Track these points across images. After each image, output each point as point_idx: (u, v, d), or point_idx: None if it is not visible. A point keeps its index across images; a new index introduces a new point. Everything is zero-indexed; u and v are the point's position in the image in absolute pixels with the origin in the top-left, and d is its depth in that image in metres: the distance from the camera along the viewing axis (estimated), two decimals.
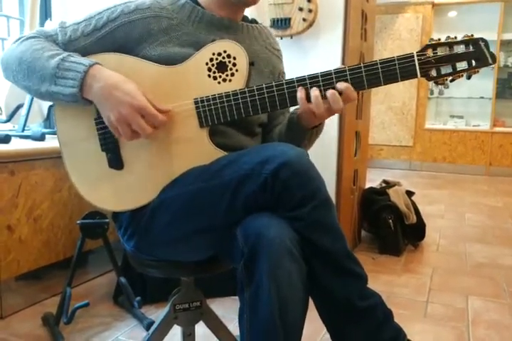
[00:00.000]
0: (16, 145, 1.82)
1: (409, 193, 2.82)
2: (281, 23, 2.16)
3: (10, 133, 1.96)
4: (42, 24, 2.52)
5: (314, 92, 1.00)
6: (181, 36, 1.12)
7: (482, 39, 0.99)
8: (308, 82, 1.02)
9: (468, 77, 1.02)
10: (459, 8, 5.65)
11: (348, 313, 0.96)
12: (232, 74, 1.05)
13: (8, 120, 2.12)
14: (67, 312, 1.62)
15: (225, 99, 1.04)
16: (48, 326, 1.70)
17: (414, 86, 5.59)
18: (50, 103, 1.92)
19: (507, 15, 5.33)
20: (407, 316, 1.85)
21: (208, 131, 1.06)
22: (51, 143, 1.93)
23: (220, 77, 1.06)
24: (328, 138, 2.28)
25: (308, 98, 1.02)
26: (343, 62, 2.24)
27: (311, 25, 2.16)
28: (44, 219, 1.87)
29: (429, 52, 0.99)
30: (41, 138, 1.99)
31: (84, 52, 1.09)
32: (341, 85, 1.00)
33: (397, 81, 1.00)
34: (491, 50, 0.98)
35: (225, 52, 1.05)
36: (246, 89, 1.03)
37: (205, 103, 1.05)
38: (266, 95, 1.03)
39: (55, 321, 1.68)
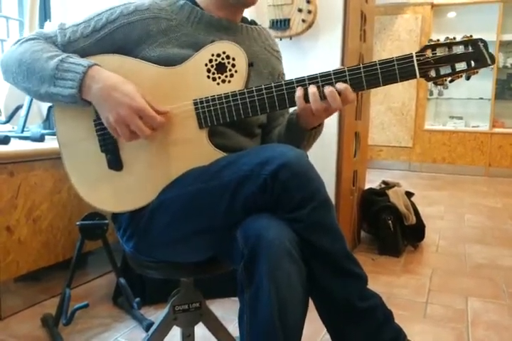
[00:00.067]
0: (16, 146, 1.82)
1: (409, 194, 2.82)
2: (281, 24, 2.16)
3: (9, 134, 1.96)
4: (41, 25, 2.52)
5: (312, 89, 1.00)
6: (180, 37, 1.12)
7: (481, 40, 0.99)
8: (308, 82, 1.02)
9: (468, 78, 1.02)
10: (458, 9, 5.66)
11: (348, 314, 0.96)
12: (232, 76, 1.05)
13: (8, 121, 2.12)
14: (66, 313, 1.62)
15: (224, 100, 1.04)
16: (47, 327, 1.70)
17: (414, 87, 5.60)
18: (50, 104, 1.93)
19: (506, 16, 5.34)
20: (407, 317, 1.85)
21: (207, 132, 1.06)
22: (50, 144, 1.92)
23: (220, 78, 1.06)
24: (327, 139, 2.28)
25: (306, 97, 1.02)
26: (343, 63, 2.24)
27: (310, 26, 2.16)
28: (43, 220, 1.87)
29: (428, 53, 0.99)
30: (40, 139, 1.99)
31: (84, 54, 1.09)
32: (340, 86, 1.00)
33: (396, 81, 1.00)
34: (490, 50, 0.99)
35: (224, 53, 1.05)
36: (245, 90, 1.03)
37: (205, 104, 1.05)
38: (265, 96, 1.03)
39: (55, 322, 1.68)
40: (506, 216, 3.61)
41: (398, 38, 5.61)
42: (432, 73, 1.00)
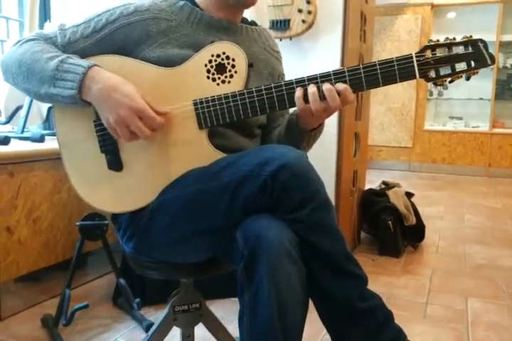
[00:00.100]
0: (16, 146, 1.82)
1: (409, 194, 2.82)
2: (281, 25, 2.16)
3: (9, 134, 1.96)
4: (41, 26, 2.52)
5: (311, 89, 1.00)
6: (180, 38, 1.12)
7: (481, 40, 0.99)
8: (307, 83, 1.02)
9: (468, 78, 1.02)
10: (458, 10, 5.66)
11: (348, 315, 0.96)
12: (231, 76, 1.05)
13: (8, 121, 2.12)
14: (66, 313, 1.62)
15: (224, 101, 1.04)
16: (47, 328, 1.70)
17: (414, 87, 5.60)
18: (50, 105, 1.93)
19: (506, 17, 5.34)
20: (407, 317, 1.85)
21: (207, 132, 1.06)
22: (50, 144, 1.92)
23: (219, 78, 1.06)
24: (327, 140, 2.28)
25: (305, 97, 1.01)
26: (342, 63, 2.24)
27: (310, 26, 2.16)
28: (43, 221, 1.87)
29: (428, 53, 0.99)
30: (40, 139, 1.99)
31: (84, 54, 1.09)
32: (340, 86, 1.00)
33: (396, 82, 1.00)
34: (490, 51, 0.99)
35: (224, 53, 1.05)
36: (245, 91, 1.03)
37: (204, 104, 1.05)
38: (265, 96, 1.03)
39: (54, 323, 1.68)
40: (506, 216, 3.61)
41: (398, 39, 5.61)
42: (432, 74, 1.00)
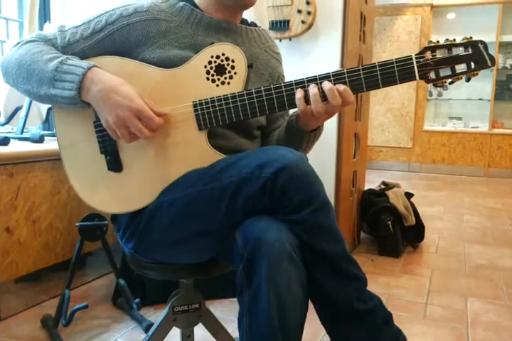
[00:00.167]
0: (15, 147, 1.82)
1: (408, 195, 2.82)
2: (280, 25, 2.16)
3: (9, 135, 1.96)
4: (41, 26, 2.52)
5: (313, 90, 1.00)
6: (180, 39, 1.12)
7: (481, 41, 0.99)
8: (307, 84, 1.02)
9: (468, 80, 1.02)
10: (458, 10, 5.66)
11: (348, 316, 0.96)
12: (231, 77, 1.05)
13: (7, 122, 2.12)
14: (66, 314, 1.62)
15: (223, 102, 1.04)
16: (46, 328, 1.70)
17: (413, 88, 5.60)
18: (49, 105, 1.93)
19: (505, 17, 5.34)
20: (407, 318, 1.85)
21: (206, 133, 1.06)
22: (50, 145, 1.92)
23: (219, 79, 1.06)
24: (327, 140, 2.28)
25: (306, 99, 1.02)
26: (342, 64, 2.24)
27: (309, 27, 2.16)
28: (43, 221, 1.87)
29: (428, 55, 0.99)
30: (40, 140, 1.99)
31: (83, 56, 1.09)
32: (340, 87, 1.00)
33: (396, 83, 1.00)
34: (490, 52, 0.99)
35: (223, 54, 1.05)
36: (244, 92, 1.03)
37: (204, 106, 1.05)
38: (264, 98, 1.03)
39: (54, 323, 1.68)
40: (506, 216, 3.61)
41: (398, 39, 5.61)
42: (432, 75, 1.00)
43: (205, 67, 1.06)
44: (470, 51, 0.99)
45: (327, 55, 2.24)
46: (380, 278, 2.27)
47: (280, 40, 2.21)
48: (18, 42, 1.10)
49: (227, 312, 1.85)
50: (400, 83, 1.00)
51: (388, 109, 5.76)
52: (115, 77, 1.02)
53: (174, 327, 1.24)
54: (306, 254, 0.94)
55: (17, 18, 2.61)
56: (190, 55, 1.08)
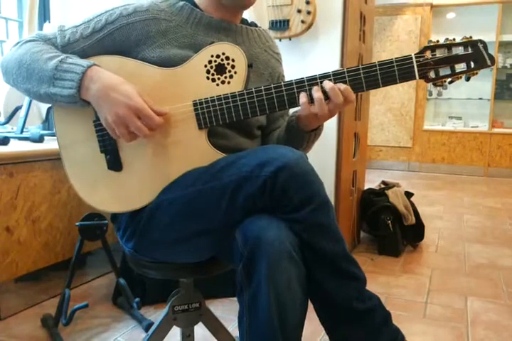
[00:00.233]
0: (15, 147, 1.82)
1: (408, 194, 2.82)
2: (280, 25, 2.16)
3: (8, 135, 1.96)
4: (40, 26, 2.52)
5: (317, 94, 1.00)
6: (180, 38, 1.12)
7: (481, 41, 0.99)
8: (307, 84, 1.02)
9: (467, 79, 1.02)
10: (458, 10, 5.66)
11: (347, 315, 0.96)
12: (231, 77, 1.05)
13: (7, 122, 2.12)
14: (66, 313, 1.62)
15: (223, 101, 1.04)
16: (46, 327, 1.70)
17: (413, 87, 5.60)
18: (49, 105, 1.93)
19: (505, 17, 5.34)
20: (406, 317, 1.85)
21: (206, 132, 1.06)
22: (50, 144, 1.93)
23: (219, 79, 1.06)
24: (327, 140, 2.28)
25: (310, 102, 1.02)
26: (342, 64, 2.24)
27: (309, 27, 2.16)
28: (43, 221, 1.87)
29: (428, 54, 0.99)
30: (40, 139, 1.99)
31: (83, 55, 1.09)
32: (340, 87, 1.00)
33: (396, 83, 1.00)
34: (490, 51, 0.99)
35: (223, 54, 1.05)
36: (244, 91, 1.03)
37: (204, 105, 1.05)
38: (264, 97, 1.03)
39: (54, 322, 1.68)
40: (506, 216, 3.61)
41: (397, 39, 5.61)
42: (432, 74, 1.00)
43: (205, 66, 1.06)
44: (470, 50, 0.99)
45: (327, 54, 2.25)
46: (380, 277, 2.27)
47: (280, 40, 2.21)
48: (18, 42, 1.10)
49: (227, 311, 1.85)
50: (400, 82, 1.00)
51: (388, 108, 5.76)
52: (115, 76, 1.02)
53: (174, 327, 1.24)
54: (306, 253, 0.94)
55: (17, 17, 2.61)
56: (190, 54, 1.08)
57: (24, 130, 2.09)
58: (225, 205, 0.96)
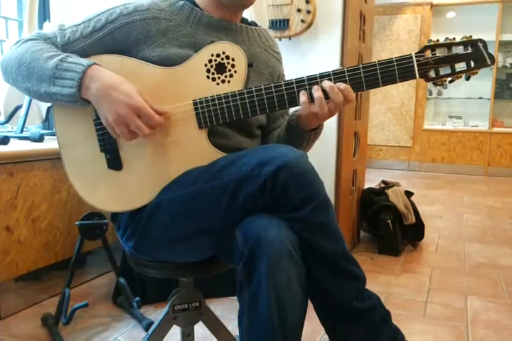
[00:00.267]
0: (15, 146, 1.82)
1: (408, 193, 2.82)
2: (280, 25, 2.16)
3: (8, 134, 1.96)
4: (40, 26, 2.52)
5: (317, 93, 1.01)
6: (180, 37, 1.12)
7: (481, 40, 0.99)
8: (307, 83, 1.02)
9: (467, 78, 1.02)
10: (458, 9, 5.66)
11: (347, 315, 0.96)
12: (231, 76, 1.05)
13: (7, 121, 2.12)
14: (66, 312, 1.62)
15: (223, 101, 1.04)
16: (47, 327, 1.70)
17: (413, 86, 5.60)
18: (49, 104, 1.93)
19: (505, 16, 5.34)
20: (406, 316, 1.85)
21: (206, 132, 1.06)
22: (50, 144, 1.93)
23: (219, 78, 1.06)
24: (327, 139, 2.28)
25: (310, 101, 1.02)
26: (342, 63, 2.24)
27: (309, 26, 2.16)
28: (43, 220, 1.87)
29: (428, 53, 1.00)
30: (40, 139, 1.99)
31: (83, 54, 1.09)
32: (340, 86, 1.00)
33: (396, 82, 1.00)
34: (490, 50, 0.99)
35: (223, 53, 1.05)
36: (245, 91, 1.03)
37: (204, 104, 1.05)
38: (264, 96, 1.03)
39: (54, 322, 1.68)
40: (506, 215, 3.61)
41: (397, 38, 5.61)
42: (432, 74, 1.00)
43: (206, 65, 1.06)
44: (470, 50, 0.99)
45: (327, 54, 2.24)
46: (380, 276, 2.28)
47: (280, 39, 2.21)
48: (18, 41, 1.10)
49: (227, 310, 1.85)
50: (400, 81, 1.00)
51: (388, 107, 5.76)
52: (115, 75, 1.02)
53: (174, 326, 1.24)
54: (305, 252, 0.94)
55: (16, 17, 2.61)
56: (190, 53, 1.08)
57: (24, 129, 2.09)
58: (225, 204, 0.96)
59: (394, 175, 5.40)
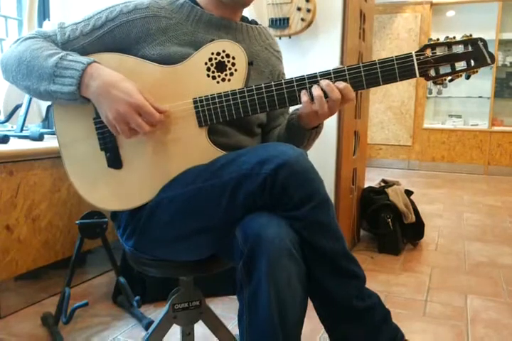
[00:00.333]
0: (15, 145, 1.82)
1: (408, 192, 2.83)
2: (280, 23, 2.16)
3: (8, 133, 1.96)
4: (40, 24, 2.52)
5: (317, 92, 1.01)
6: (180, 36, 1.12)
7: (481, 39, 0.99)
8: (307, 81, 1.02)
9: (468, 77, 1.02)
10: (458, 8, 5.66)
11: (347, 313, 0.96)
12: (231, 74, 1.05)
13: (7, 120, 2.12)
14: (66, 312, 1.62)
15: (223, 99, 1.04)
16: (46, 326, 1.70)
17: (413, 85, 5.60)
18: (49, 103, 1.92)
19: (505, 15, 5.34)
20: (406, 315, 1.85)
21: (206, 130, 1.06)
22: (50, 143, 1.92)
23: (219, 76, 1.06)
24: (327, 138, 2.28)
25: (311, 100, 1.02)
26: (342, 62, 2.24)
27: (309, 25, 2.16)
28: (43, 219, 1.87)
29: (428, 52, 0.99)
30: (40, 138, 1.99)
31: (83, 52, 1.09)
32: (340, 85, 1.00)
33: (396, 81, 1.00)
34: (490, 49, 0.99)
35: (224, 51, 1.05)
36: (245, 89, 1.03)
37: (204, 102, 1.05)
38: (265, 95, 1.03)
39: (54, 321, 1.68)
40: (505, 214, 3.62)
41: (397, 37, 5.61)
42: (432, 72, 1.00)
43: (206, 63, 1.06)
44: (470, 49, 0.99)
45: (327, 52, 2.24)
46: (380, 275, 2.28)
47: (280, 38, 2.21)
48: (18, 39, 1.10)
49: (227, 309, 1.85)
50: (400, 80, 1.00)
51: (388, 106, 5.76)
52: (115, 73, 1.02)
53: (174, 325, 1.24)
54: (305, 251, 0.94)
55: (16, 16, 2.61)
56: (190, 51, 1.08)
57: (24, 128, 2.09)
58: (225, 203, 0.96)
59: (394, 174, 5.40)
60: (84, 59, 1.03)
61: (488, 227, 3.23)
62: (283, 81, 1.02)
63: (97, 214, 1.71)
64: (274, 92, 1.03)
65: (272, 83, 1.03)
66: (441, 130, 5.68)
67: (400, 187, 2.82)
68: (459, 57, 0.99)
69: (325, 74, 1.01)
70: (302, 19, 2.13)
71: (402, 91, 5.67)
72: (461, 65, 1.00)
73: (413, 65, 0.99)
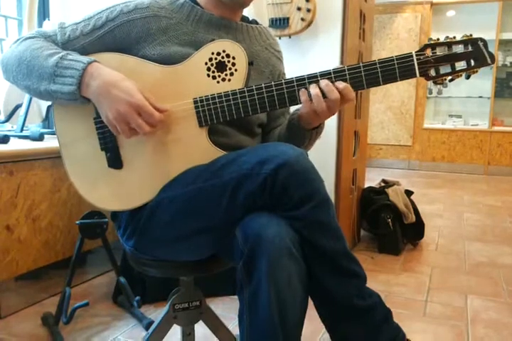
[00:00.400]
0: (15, 145, 1.82)
1: (408, 192, 2.82)
2: (280, 23, 2.16)
3: (8, 133, 1.96)
4: (40, 24, 2.52)
5: (314, 90, 1.01)
6: (180, 35, 1.12)
7: (481, 39, 0.99)
8: (308, 81, 1.02)
9: (468, 77, 1.02)
10: (458, 8, 5.66)
11: (348, 313, 0.96)
12: (232, 74, 1.05)
13: (7, 120, 2.12)
14: (66, 312, 1.62)
15: (224, 99, 1.04)
16: (47, 326, 1.70)
17: (413, 85, 5.60)
18: (49, 103, 1.92)
19: (505, 15, 5.34)
20: (406, 315, 1.85)
21: (207, 130, 1.06)
22: (50, 143, 1.92)
23: (220, 76, 1.06)
24: (327, 138, 2.28)
25: (310, 99, 1.02)
26: (342, 61, 2.24)
27: (309, 24, 2.16)
28: (43, 219, 1.87)
29: (428, 52, 0.99)
30: (40, 138, 1.99)
31: (83, 52, 1.09)
32: (340, 85, 1.00)
33: (396, 81, 1.00)
34: (490, 49, 0.99)
35: (224, 51, 1.05)
36: (245, 89, 1.03)
37: (205, 102, 1.05)
38: (265, 95, 1.03)
39: (55, 321, 1.68)
40: (506, 214, 3.61)
41: (397, 37, 5.61)
42: (432, 72, 1.00)
43: (206, 63, 1.06)
44: (470, 49, 0.99)
45: (327, 52, 2.24)
46: (380, 275, 2.28)
47: (280, 38, 2.21)
48: (18, 39, 1.10)
49: (227, 309, 1.85)
50: (401, 80, 1.00)
51: (388, 106, 5.76)
52: (115, 73, 1.02)
53: (175, 325, 1.24)
54: (306, 251, 0.94)
55: (16, 16, 2.61)
56: (190, 51, 1.08)
57: (24, 128, 2.09)
58: (225, 203, 0.96)
59: (394, 174, 5.40)
60: (85, 58, 1.03)
61: (488, 227, 3.23)
62: (283, 81, 1.02)
63: (97, 214, 1.71)
64: (275, 92, 1.03)
65: (272, 83, 1.02)
66: (442, 130, 5.68)
67: (400, 187, 2.82)
68: (459, 57, 0.99)
69: (325, 74, 1.01)
70: (302, 19, 2.13)
71: (402, 91, 5.67)
72: (461, 65, 1.00)
73: (413, 64, 0.99)
